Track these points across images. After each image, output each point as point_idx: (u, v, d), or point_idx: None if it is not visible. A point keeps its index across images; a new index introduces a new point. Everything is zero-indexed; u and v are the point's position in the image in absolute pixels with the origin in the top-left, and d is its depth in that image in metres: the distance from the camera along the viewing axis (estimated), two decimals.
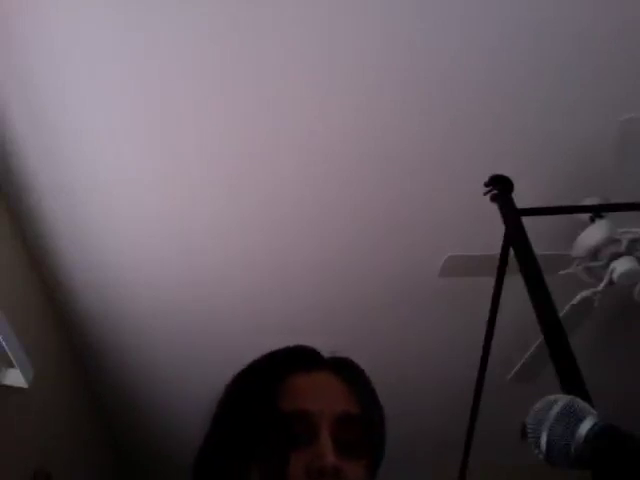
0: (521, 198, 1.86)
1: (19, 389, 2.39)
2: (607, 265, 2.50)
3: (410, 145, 2.47)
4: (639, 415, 2.64)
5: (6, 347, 2.28)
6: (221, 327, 2.96)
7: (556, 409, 0.68)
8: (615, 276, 2.46)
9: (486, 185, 1.87)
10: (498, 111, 2.40)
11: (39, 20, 2.02)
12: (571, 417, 0.66)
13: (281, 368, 0.78)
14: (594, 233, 2.51)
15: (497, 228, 1.89)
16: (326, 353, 0.83)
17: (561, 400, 0.69)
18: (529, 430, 0.69)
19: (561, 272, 2.50)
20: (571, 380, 1.43)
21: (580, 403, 0.68)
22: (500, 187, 1.84)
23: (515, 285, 1.82)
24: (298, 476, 0.65)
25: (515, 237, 1.77)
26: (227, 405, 0.78)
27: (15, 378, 2.37)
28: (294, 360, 0.80)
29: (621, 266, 2.45)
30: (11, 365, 2.35)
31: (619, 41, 2.24)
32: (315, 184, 2.56)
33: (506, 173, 1.88)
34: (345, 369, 0.81)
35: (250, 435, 0.70)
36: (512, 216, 1.80)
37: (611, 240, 2.48)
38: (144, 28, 2.10)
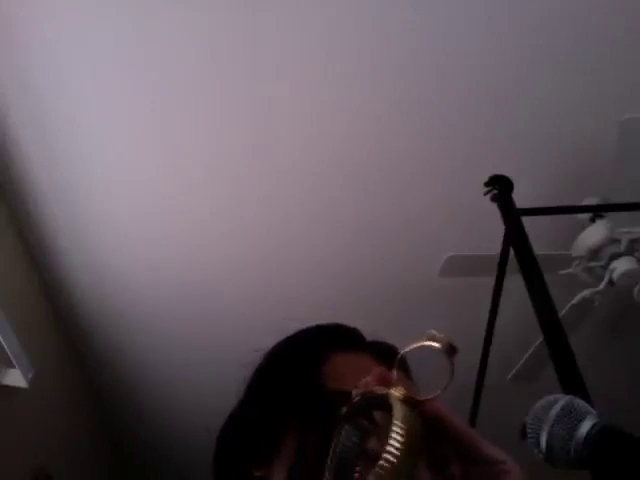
0: (521, 198, 1.86)
1: (19, 389, 2.39)
2: (607, 265, 2.49)
3: (410, 145, 2.47)
4: (639, 415, 2.64)
5: (6, 347, 2.27)
6: (221, 327, 2.95)
7: (556, 409, 0.67)
8: (615, 276, 2.45)
9: (486, 185, 1.87)
10: (498, 111, 2.40)
11: (40, 21, 2.02)
12: (571, 417, 0.66)
13: (328, 343, 0.77)
14: (594, 233, 2.51)
15: (497, 228, 1.89)
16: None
17: (561, 400, 0.68)
18: (529, 430, 0.69)
19: (561, 272, 2.50)
20: (571, 380, 1.44)
21: (580, 403, 0.68)
22: (500, 187, 1.84)
23: (515, 285, 1.82)
24: None
25: (515, 237, 1.78)
26: (269, 372, 0.77)
27: (15, 378, 2.37)
28: (341, 337, 0.79)
29: (621, 266, 2.45)
30: (11, 365, 2.35)
31: (619, 41, 2.24)
32: (315, 184, 2.56)
33: (506, 173, 1.89)
34: (385, 354, 0.79)
35: (290, 405, 0.69)
36: (512, 216, 1.80)
37: (611, 240, 2.48)
38: (144, 29, 2.10)
